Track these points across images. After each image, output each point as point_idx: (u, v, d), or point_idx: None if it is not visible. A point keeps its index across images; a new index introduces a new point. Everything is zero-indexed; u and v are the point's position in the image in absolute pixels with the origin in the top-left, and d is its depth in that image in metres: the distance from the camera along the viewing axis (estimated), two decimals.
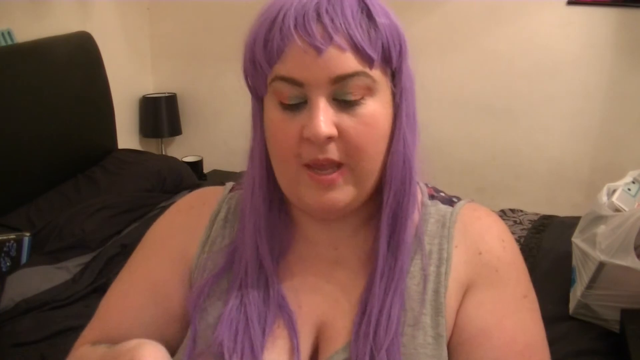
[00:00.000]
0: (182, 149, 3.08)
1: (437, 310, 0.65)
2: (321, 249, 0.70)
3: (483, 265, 0.68)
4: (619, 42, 2.39)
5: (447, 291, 0.66)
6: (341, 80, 0.59)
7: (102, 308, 0.75)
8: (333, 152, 0.60)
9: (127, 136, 2.86)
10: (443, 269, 0.67)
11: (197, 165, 2.88)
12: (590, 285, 1.48)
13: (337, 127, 0.60)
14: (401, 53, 0.64)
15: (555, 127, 2.57)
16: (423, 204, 0.72)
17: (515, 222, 2.18)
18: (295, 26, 0.59)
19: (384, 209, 0.65)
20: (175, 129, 2.97)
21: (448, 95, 2.69)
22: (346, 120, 0.60)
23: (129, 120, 2.90)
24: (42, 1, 2.25)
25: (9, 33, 2.09)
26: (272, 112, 0.62)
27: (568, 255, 1.67)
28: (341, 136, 0.60)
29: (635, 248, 1.43)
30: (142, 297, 0.73)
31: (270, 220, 0.68)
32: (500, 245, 0.70)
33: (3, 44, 2.06)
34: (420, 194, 0.73)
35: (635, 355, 1.27)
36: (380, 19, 0.61)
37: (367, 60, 0.60)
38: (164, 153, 3.02)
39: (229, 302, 0.67)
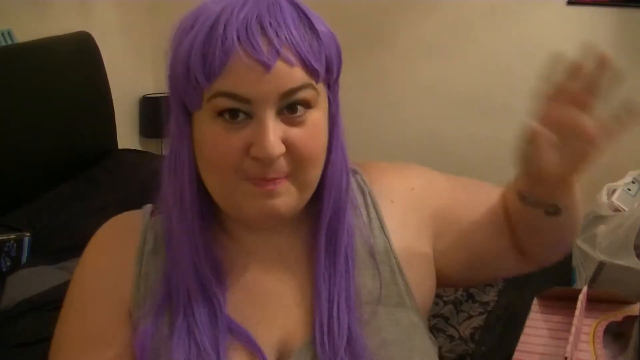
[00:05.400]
0: None
1: (394, 275, 0.68)
2: (263, 257, 0.69)
3: (422, 193, 0.73)
4: (619, 42, 2.39)
5: (396, 253, 0.68)
6: (290, 94, 0.58)
7: None
8: (281, 166, 0.59)
9: (127, 136, 2.86)
10: (377, 231, 0.70)
11: None
12: (590, 285, 1.48)
13: (285, 141, 0.59)
14: (339, 63, 0.63)
15: None
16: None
17: None
18: (239, 40, 0.55)
19: (323, 217, 0.66)
20: None
21: (448, 95, 2.69)
22: (293, 133, 0.59)
23: (129, 120, 2.90)
24: (42, 1, 2.25)
25: (9, 33, 2.09)
26: (210, 126, 0.59)
27: (568, 255, 1.67)
28: (289, 149, 0.59)
29: (635, 248, 1.43)
30: (88, 350, 0.68)
31: (206, 238, 0.65)
32: (414, 170, 0.76)
33: (3, 44, 2.06)
34: None
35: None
36: (320, 27, 0.60)
37: (314, 73, 0.58)
38: (164, 153, 3.01)
39: (175, 336, 0.63)
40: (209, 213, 0.66)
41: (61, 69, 2.21)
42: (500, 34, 2.54)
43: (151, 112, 2.92)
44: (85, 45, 2.37)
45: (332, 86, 0.64)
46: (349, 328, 0.63)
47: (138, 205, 0.77)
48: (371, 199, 0.71)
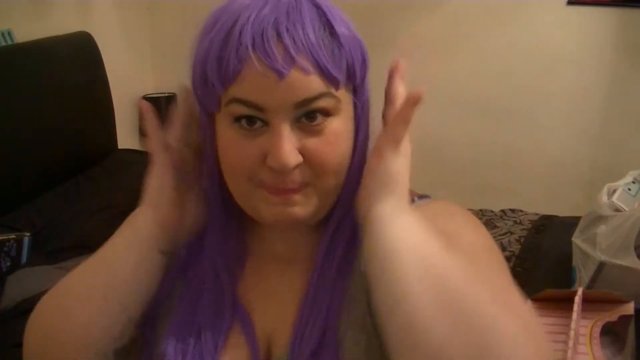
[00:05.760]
0: None
1: None
2: (276, 248, 0.68)
3: None
4: (619, 42, 2.39)
5: None
6: (305, 104, 0.56)
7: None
8: (296, 177, 0.58)
9: (127, 136, 2.86)
10: None
11: None
12: (590, 285, 1.48)
13: (301, 151, 0.57)
14: (364, 67, 0.61)
15: (555, 127, 2.57)
16: None
17: (515, 222, 2.18)
18: (254, 46, 0.53)
19: (330, 222, 0.63)
20: None
21: (448, 95, 2.69)
22: (310, 142, 0.57)
23: (129, 120, 2.90)
24: (42, 1, 2.25)
25: (9, 33, 2.09)
26: (227, 130, 0.58)
27: (568, 255, 1.67)
28: (306, 159, 0.57)
29: (635, 248, 1.43)
30: None
31: (225, 229, 0.66)
32: (449, 218, 0.65)
33: (3, 44, 2.06)
34: None
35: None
36: (342, 31, 0.57)
37: (332, 81, 0.56)
38: None
39: (180, 312, 0.65)
40: (231, 206, 0.65)
41: (61, 69, 2.21)
42: (500, 34, 2.54)
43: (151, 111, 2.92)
44: (85, 45, 2.37)
45: (358, 90, 0.61)
46: (324, 334, 0.61)
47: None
48: None
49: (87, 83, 2.36)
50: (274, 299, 0.66)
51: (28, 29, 2.17)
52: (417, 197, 0.70)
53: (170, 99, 2.93)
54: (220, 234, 0.66)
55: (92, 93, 2.39)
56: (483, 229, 0.67)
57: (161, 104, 2.91)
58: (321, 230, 0.66)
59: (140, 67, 2.96)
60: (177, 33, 3.00)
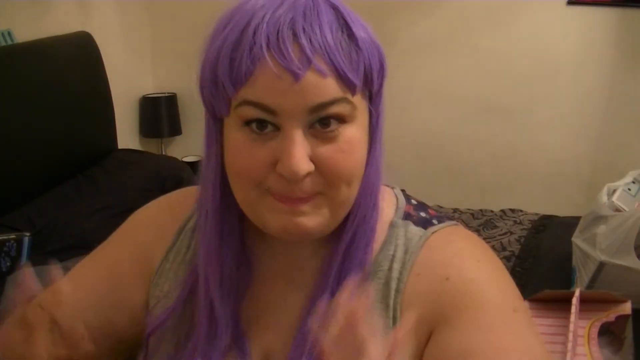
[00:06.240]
0: (182, 149, 3.08)
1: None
2: (280, 265, 0.65)
3: (450, 292, 0.59)
4: (619, 42, 2.39)
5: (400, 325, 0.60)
6: (320, 109, 0.53)
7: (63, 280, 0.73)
8: (307, 186, 0.55)
9: (127, 136, 2.86)
10: (392, 302, 0.60)
11: (197, 165, 2.88)
12: (590, 285, 1.48)
13: (313, 158, 0.54)
14: (381, 73, 0.58)
15: (555, 127, 2.57)
16: (392, 224, 0.64)
17: (515, 222, 2.18)
18: (269, 46, 0.51)
19: (343, 238, 0.60)
20: (175, 129, 2.97)
21: (448, 95, 2.69)
22: (323, 150, 0.54)
23: (129, 120, 2.90)
24: (42, 1, 2.25)
25: (9, 33, 2.09)
26: (236, 134, 0.55)
27: (568, 255, 1.67)
28: (318, 168, 0.54)
29: (635, 248, 1.43)
30: (99, 281, 0.70)
31: (224, 247, 0.62)
32: (474, 266, 0.61)
33: (3, 44, 2.06)
34: (391, 210, 0.66)
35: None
36: (360, 34, 0.54)
37: (349, 85, 0.53)
38: (164, 153, 3.02)
39: (171, 343, 0.63)
40: (234, 218, 0.62)
41: (61, 69, 2.21)
42: (500, 34, 2.54)
43: (151, 112, 2.92)
44: (85, 45, 2.37)
45: (373, 97, 0.58)
46: None
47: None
48: (407, 256, 0.62)
49: (87, 83, 2.36)
50: (273, 320, 0.64)
51: (28, 29, 2.17)
52: (436, 218, 0.66)
53: (170, 99, 2.94)
54: (216, 257, 0.62)
55: (92, 93, 2.39)
56: (506, 277, 0.63)
57: (161, 104, 2.92)
58: (329, 246, 0.62)
59: (140, 67, 2.96)
60: (177, 33, 3.01)
